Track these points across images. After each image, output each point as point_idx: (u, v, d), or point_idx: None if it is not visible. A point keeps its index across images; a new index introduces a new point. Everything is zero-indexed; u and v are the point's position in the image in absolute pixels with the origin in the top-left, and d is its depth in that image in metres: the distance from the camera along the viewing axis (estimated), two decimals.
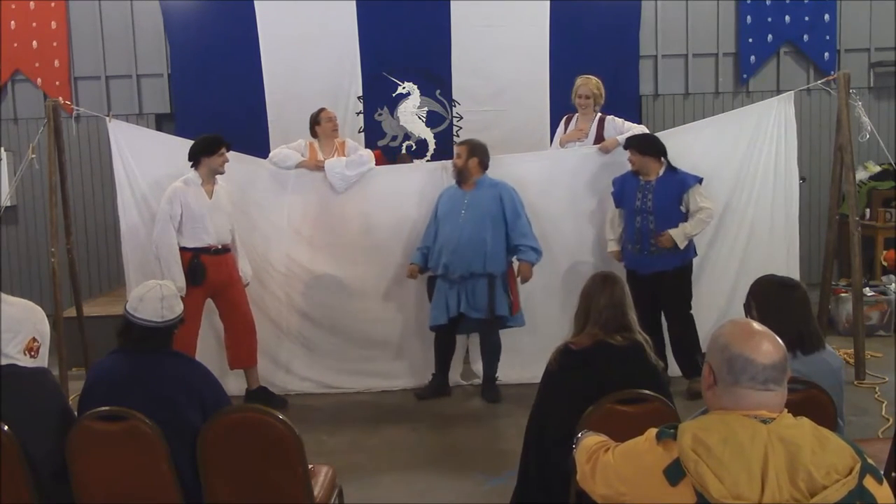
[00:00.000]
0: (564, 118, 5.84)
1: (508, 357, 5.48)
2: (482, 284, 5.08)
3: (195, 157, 5.06)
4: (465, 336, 5.56)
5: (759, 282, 3.10)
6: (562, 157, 5.71)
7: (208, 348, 5.32)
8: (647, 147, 5.18)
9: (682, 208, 5.16)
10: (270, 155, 5.66)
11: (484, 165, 5.27)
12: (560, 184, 5.59)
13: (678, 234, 5.09)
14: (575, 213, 5.59)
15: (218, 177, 5.16)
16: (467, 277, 5.09)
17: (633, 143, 5.23)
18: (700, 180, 5.17)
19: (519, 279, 5.21)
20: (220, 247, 5.10)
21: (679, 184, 5.15)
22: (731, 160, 5.54)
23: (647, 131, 5.62)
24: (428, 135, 7.63)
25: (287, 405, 5.27)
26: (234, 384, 5.22)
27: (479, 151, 5.27)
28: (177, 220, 5.00)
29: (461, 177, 5.24)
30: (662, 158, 5.19)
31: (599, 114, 5.65)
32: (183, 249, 5.00)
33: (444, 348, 5.38)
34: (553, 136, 6.19)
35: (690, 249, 5.22)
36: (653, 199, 5.14)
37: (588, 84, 5.63)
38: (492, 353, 5.34)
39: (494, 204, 5.17)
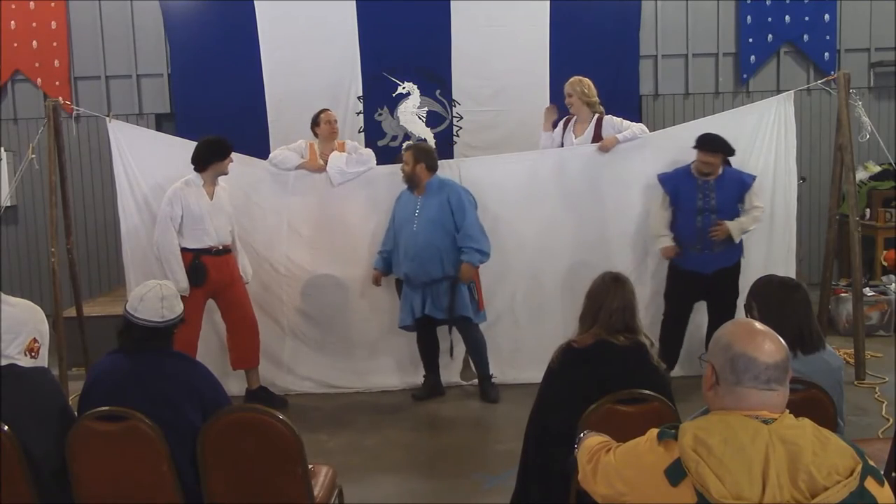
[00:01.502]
0: (563, 120, 5.84)
1: (508, 357, 5.49)
2: (445, 287, 5.10)
3: (205, 162, 5.03)
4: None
5: (760, 282, 3.11)
6: (561, 156, 5.70)
7: (209, 348, 5.32)
8: (728, 149, 5.10)
9: (740, 206, 5.19)
10: (270, 156, 5.65)
11: (431, 168, 5.24)
12: (559, 183, 5.58)
13: (735, 228, 5.10)
14: (574, 212, 5.58)
15: (219, 178, 5.15)
16: (429, 283, 5.11)
17: (719, 148, 5.09)
18: (755, 178, 5.21)
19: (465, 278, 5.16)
20: (220, 247, 5.10)
21: (740, 183, 5.16)
22: (730, 160, 5.53)
23: (647, 129, 5.62)
24: (428, 135, 7.61)
25: (287, 405, 5.27)
26: (235, 384, 5.22)
27: (423, 156, 5.24)
28: (177, 222, 5.00)
29: (411, 183, 5.23)
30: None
31: (597, 114, 5.64)
32: (184, 250, 4.99)
33: (426, 348, 5.39)
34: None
35: (741, 245, 5.24)
36: (716, 197, 5.10)
37: (571, 84, 5.61)
38: (477, 352, 5.31)
39: (443, 209, 5.13)
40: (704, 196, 5.13)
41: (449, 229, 5.12)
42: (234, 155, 5.23)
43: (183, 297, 4.82)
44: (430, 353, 5.41)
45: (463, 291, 5.12)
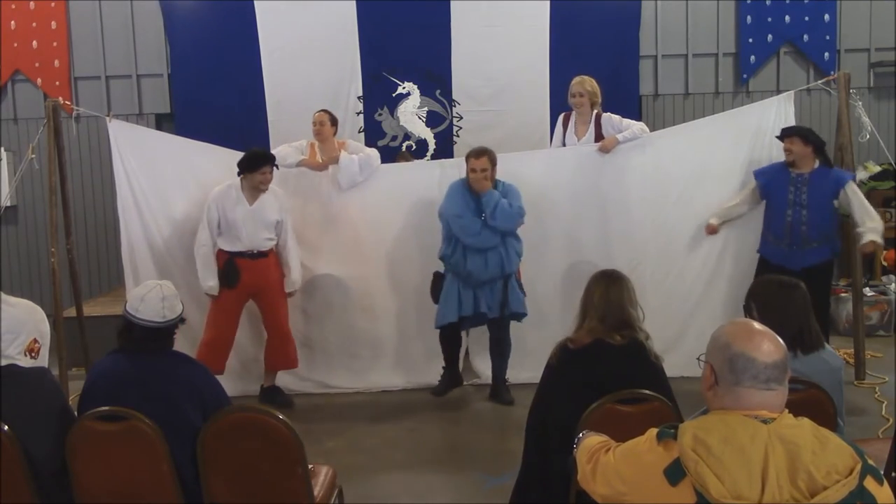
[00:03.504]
0: (562, 116, 5.84)
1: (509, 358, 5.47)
2: (500, 285, 5.06)
3: (240, 170, 5.10)
4: (465, 335, 5.55)
5: (759, 282, 3.12)
6: (561, 155, 5.70)
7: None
8: (812, 136, 5.08)
9: (835, 204, 5.10)
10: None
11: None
12: (560, 182, 5.58)
13: (875, 236, 5.02)
14: (575, 212, 5.58)
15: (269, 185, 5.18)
16: (487, 281, 5.06)
17: (794, 132, 5.10)
18: (854, 178, 5.16)
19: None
20: (255, 252, 5.13)
21: (836, 180, 5.07)
22: (731, 160, 5.53)
23: (646, 129, 5.62)
24: (428, 135, 7.63)
25: (292, 405, 5.27)
26: (232, 385, 5.22)
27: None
28: (215, 224, 5.10)
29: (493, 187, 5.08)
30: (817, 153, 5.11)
31: (596, 111, 5.63)
32: (221, 251, 5.09)
33: (451, 344, 5.30)
34: (552, 135, 6.18)
35: (837, 243, 5.17)
36: (807, 192, 5.05)
37: (582, 83, 5.60)
38: (503, 354, 5.26)
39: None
40: (796, 190, 5.08)
41: None
42: (233, 153, 5.23)
43: (214, 297, 4.93)
44: (453, 349, 5.33)
45: (515, 288, 5.10)
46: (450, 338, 5.30)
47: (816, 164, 5.10)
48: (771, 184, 5.22)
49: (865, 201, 5.12)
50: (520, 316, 5.20)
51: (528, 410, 3.16)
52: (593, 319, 3.02)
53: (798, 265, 5.03)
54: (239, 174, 5.11)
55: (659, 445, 1.80)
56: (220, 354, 5.03)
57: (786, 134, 5.14)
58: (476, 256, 5.02)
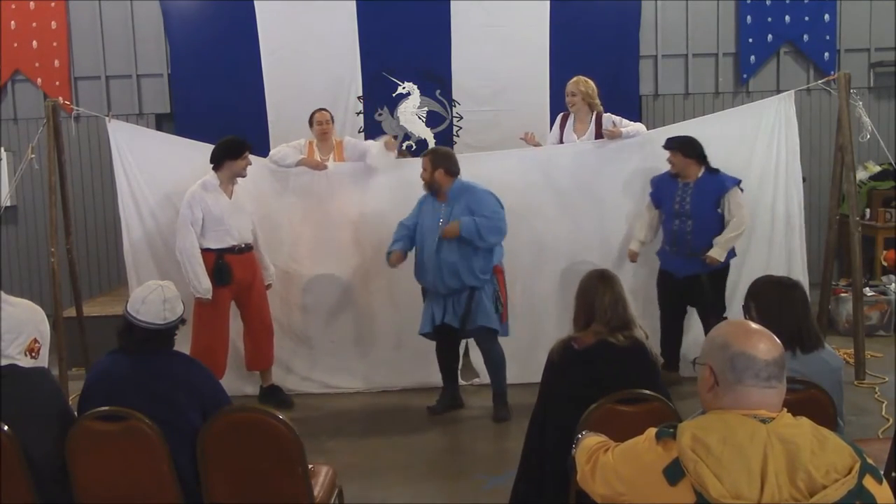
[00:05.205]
0: (560, 116, 5.85)
1: (508, 358, 5.46)
2: (465, 297, 4.88)
3: (219, 161, 5.03)
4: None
5: (759, 282, 3.12)
6: (559, 154, 5.70)
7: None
8: (690, 150, 5.07)
9: (720, 211, 5.05)
10: (270, 154, 5.67)
11: (451, 173, 4.88)
12: (557, 181, 5.58)
13: (718, 252, 5.00)
14: (573, 211, 5.57)
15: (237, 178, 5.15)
16: (450, 293, 4.91)
17: (675, 146, 5.09)
18: (738, 182, 5.08)
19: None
20: (243, 245, 5.11)
21: (718, 186, 5.04)
22: (731, 159, 5.51)
23: (645, 128, 5.63)
24: (428, 135, 7.64)
25: (293, 406, 5.27)
26: (231, 384, 5.23)
27: (442, 161, 4.89)
28: (199, 225, 4.97)
29: (432, 190, 4.95)
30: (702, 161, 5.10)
31: (596, 111, 5.65)
32: (207, 251, 4.98)
33: (445, 359, 5.22)
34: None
35: (728, 253, 5.11)
36: (690, 201, 5.05)
37: (576, 83, 5.61)
38: (495, 367, 5.08)
39: (463, 217, 4.83)
40: (681, 200, 5.09)
41: (466, 241, 4.82)
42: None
43: (209, 299, 4.83)
44: (448, 365, 5.23)
45: (483, 301, 4.86)
46: (442, 350, 5.20)
47: (701, 171, 5.08)
48: (660, 193, 5.25)
49: (742, 212, 5.02)
50: (485, 331, 4.91)
51: (532, 411, 3.16)
52: (600, 322, 3.01)
53: (681, 273, 5.12)
54: (216, 167, 5.02)
55: (658, 445, 1.80)
56: (220, 359, 4.95)
57: (667, 146, 5.12)
58: (432, 271, 4.87)
